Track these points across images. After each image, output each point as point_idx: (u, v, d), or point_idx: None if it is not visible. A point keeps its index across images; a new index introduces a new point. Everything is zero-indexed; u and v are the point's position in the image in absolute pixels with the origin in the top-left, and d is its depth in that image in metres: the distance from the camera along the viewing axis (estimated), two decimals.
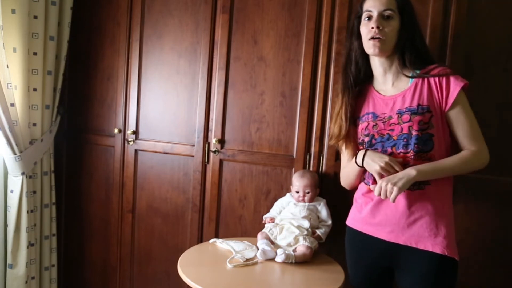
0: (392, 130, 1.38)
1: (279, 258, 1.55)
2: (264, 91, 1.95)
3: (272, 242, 1.66)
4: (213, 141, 2.03)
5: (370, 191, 1.45)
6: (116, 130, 2.24)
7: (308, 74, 1.86)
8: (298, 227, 1.67)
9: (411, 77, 1.38)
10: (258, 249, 1.61)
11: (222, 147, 2.03)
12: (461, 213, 1.67)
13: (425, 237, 1.33)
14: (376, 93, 1.46)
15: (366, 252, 1.47)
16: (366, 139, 1.44)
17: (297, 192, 1.77)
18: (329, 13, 1.81)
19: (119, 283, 2.33)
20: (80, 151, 2.37)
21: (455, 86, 1.32)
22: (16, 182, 2.06)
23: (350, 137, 1.51)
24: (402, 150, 1.35)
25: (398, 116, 1.37)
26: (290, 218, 1.72)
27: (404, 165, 1.33)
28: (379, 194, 1.31)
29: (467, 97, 1.35)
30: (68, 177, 2.42)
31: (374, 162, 1.35)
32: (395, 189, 1.26)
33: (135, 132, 2.21)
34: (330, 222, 1.75)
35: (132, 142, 2.21)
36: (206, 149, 2.06)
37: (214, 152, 2.02)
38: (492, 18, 1.63)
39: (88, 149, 2.35)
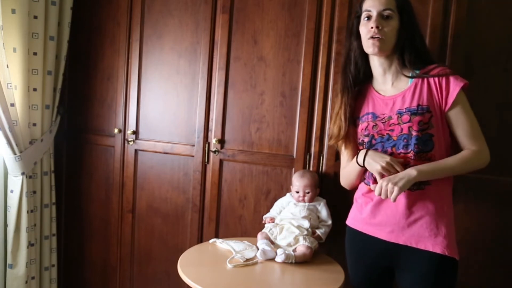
0: (392, 130, 1.38)
1: (279, 258, 1.55)
2: (264, 91, 1.95)
3: (272, 242, 1.66)
4: (213, 141, 2.03)
5: (370, 191, 1.45)
6: (116, 130, 2.24)
7: (308, 74, 1.86)
8: (298, 227, 1.67)
9: (411, 77, 1.38)
10: (258, 249, 1.61)
11: (222, 147, 2.03)
12: (461, 213, 1.67)
13: (425, 237, 1.33)
14: (376, 93, 1.46)
15: (366, 252, 1.47)
16: (366, 139, 1.44)
17: (297, 192, 1.77)
18: (329, 13, 1.81)
19: (119, 283, 2.33)
20: (80, 151, 2.37)
21: (455, 86, 1.32)
22: (16, 182, 2.06)
23: (350, 137, 1.51)
24: (402, 151, 1.35)
25: (398, 116, 1.37)
26: (290, 218, 1.72)
27: (405, 165, 1.33)
28: (380, 194, 1.31)
29: (467, 97, 1.35)
30: (68, 177, 2.42)
31: (375, 162, 1.35)
32: (396, 189, 1.26)
33: (135, 132, 2.21)
34: (330, 222, 1.75)
35: (132, 142, 2.21)
36: (206, 149, 2.06)
37: (214, 152, 2.02)
38: (492, 18, 1.63)
39: (88, 149, 2.35)
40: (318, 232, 1.70)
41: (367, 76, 1.50)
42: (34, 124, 2.12)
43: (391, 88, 1.43)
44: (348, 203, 1.60)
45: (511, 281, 1.67)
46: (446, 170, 1.33)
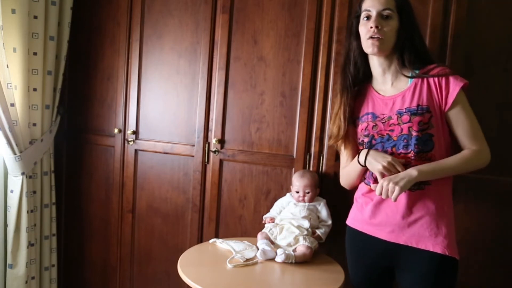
0: (392, 130, 1.38)
1: (279, 258, 1.55)
2: (264, 91, 1.95)
3: (272, 242, 1.66)
4: (213, 141, 2.03)
5: (370, 191, 1.45)
6: (116, 130, 2.24)
7: (308, 74, 1.86)
8: (298, 227, 1.67)
9: (410, 77, 1.38)
10: (258, 249, 1.61)
11: (222, 147, 2.03)
12: (461, 213, 1.67)
13: (426, 237, 1.33)
14: (376, 93, 1.46)
15: (367, 252, 1.47)
16: (366, 139, 1.44)
17: (297, 192, 1.77)
18: (329, 13, 1.81)
19: (119, 283, 2.33)
20: (80, 151, 2.37)
21: (455, 86, 1.32)
22: (16, 182, 2.06)
23: (349, 137, 1.51)
24: (403, 151, 1.35)
25: (397, 116, 1.37)
26: (290, 218, 1.72)
27: (405, 165, 1.33)
28: (381, 194, 1.30)
29: (466, 97, 1.35)
30: (68, 177, 2.42)
31: (376, 162, 1.35)
32: (397, 189, 1.26)
33: (135, 132, 2.21)
34: (330, 222, 1.75)
35: (132, 142, 2.21)
36: (206, 149, 2.06)
37: (214, 152, 2.02)
38: (492, 18, 1.63)
39: (88, 149, 2.35)
40: (318, 232, 1.70)
41: (367, 76, 1.50)
42: (34, 124, 2.12)
43: (391, 88, 1.43)
44: (348, 203, 1.60)
45: (511, 281, 1.67)
46: (446, 170, 1.33)
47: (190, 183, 2.11)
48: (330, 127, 1.56)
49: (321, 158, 1.86)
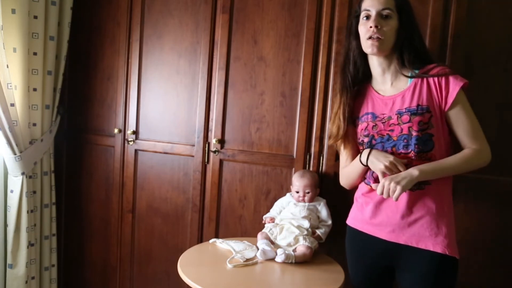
0: (392, 130, 1.38)
1: (279, 258, 1.55)
2: (264, 91, 1.95)
3: (272, 242, 1.66)
4: (213, 141, 2.03)
5: (370, 191, 1.45)
6: (116, 130, 2.24)
7: (308, 74, 1.86)
8: (298, 227, 1.67)
9: (410, 77, 1.38)
10: (258, 249, 1.61)
11: (222, 147, 2.03)
12: (461, 213, 1.67)
13: (426, 236, 1.34)
14: (375, 93, 1.46)
15: (367, 251, 1.47)
16: (366, 139, 1.44)
17: (297, 192, 1.77)
18: (329, 13, 1.81)
19: (119, 283, 2.33)
20: (80, 151, 2.37)
21: (455, 85, 1.32)
22: (16, 182, 2.06)
23: (349, 137, 1.51)
24: (403, 151, 1.35)
25: (397, 116, 1.37)
26: (290, 218, 1.72)
27: (407, 165, 1.33)
28: (382, 193, 1.30)
29: (466, 97, 1.35)
30: (68, 177, 2.42)
31: (378, 161, 1.34)
32: (398, 188, 1.26)
33: (135, 132, 2.21)
34: (330, 222, 1.75)
35: (132, 142, 2.21)
36: (206, 149, 2.06)
37: (214, 152, 2.02)
38: (492, 18, 1.63)
39: (88, 149, 2.35)
40: (318, 232, 1.70)
41: (366, 75, 1.50)
42: (34, 124, 2.12)
43: (391, 88, 1.43)
44: (348, 203, 1.60)
45: (511, 281, 1.67)
46: (447, 169, 1.33)
47: (190, 183, 2.11)
48: (330, 127, 1.56)
49: (321, 158, 1.86)
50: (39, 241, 2.22)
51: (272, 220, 1.79)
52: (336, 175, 1.77)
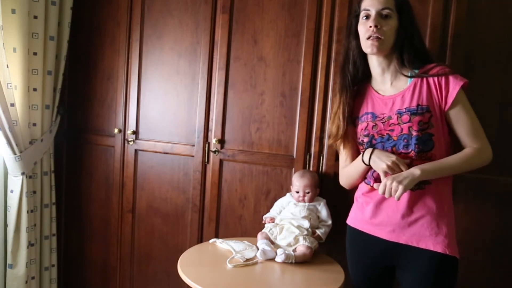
0: (392, 130, 1.38)
1: (279, 258, 1.55)
2: (264, 91, 1.95)
3: (272, 242, 1.66)
4: (213, 141, 2.03)
5: (370, 190, 1.45)
6: (116, 130, 2.24)
7: (308, 74, 1.86)
8: (298, 227, 1.67)
9: (410, 77, 1.38)
10: (258, 249, 1.61)
11: (222, 147, 2.03)
12: (461, 213, 1.67)
13: (426, 236, 1.34)
14: (375, 93, 1.46)
15: (367, 251, 1.47)
16: (366, 139, 1.44)
17: (297, 192, 1.77)
18: (329, 13, 1.81)
19: (119, 283, 2.33)
20: (80, 151, 2.37)
21: (455, 85, 1.32)
22: (16, 182, 2.06)
23: (348, 137, 1.51)
24: (403, 151, 1.35)
25: (397, 116, 1.37)
26: (290, 218, 1.72)
27: (408, 165, 1.33)
28: (384, 193, 1.30)
29: (466, 96, 1.35)
30: (68, 177, 2.42)
31: (381, 161, 1.34)
32: (400, 188, 1.26)
33: (135, 132, 2.21)
34: (330, 222, 1.75)
35: (132, 142, 2.21)
36: (206, 149, 2.06)
37: (214, 152, 2.02)
38: (492, 18, 1.63)
39: (88, 149, 2.35)
40: (318, 232, 1.70)
41: (366, 75, 1.50)
42: (34, 124, 2.12)
43: (390, 88, 1.43)
44: (348, 203, 1.60)
45: (511, 281, 1.67)
46: (449, 168, 1.33)
47: (190, 183, 2.11)
48: (330, 127, 1.56)
49: (321, 158, 1.86)
50: (39, 241, 2.22)
51: (272, 220, 1.79)
52: (336, 175, 1.76)
